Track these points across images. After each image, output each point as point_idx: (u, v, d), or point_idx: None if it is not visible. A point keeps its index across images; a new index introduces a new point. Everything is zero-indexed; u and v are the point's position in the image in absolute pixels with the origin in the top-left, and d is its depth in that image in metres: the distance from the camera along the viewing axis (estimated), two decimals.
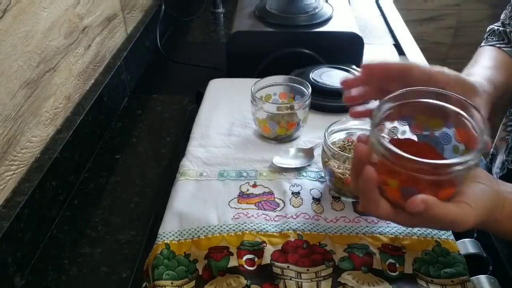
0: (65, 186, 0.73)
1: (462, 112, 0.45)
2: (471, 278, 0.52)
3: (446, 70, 0.52)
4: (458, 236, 0.57)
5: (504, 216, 0.46)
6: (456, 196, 0.43)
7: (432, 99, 0.46)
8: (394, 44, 1.20)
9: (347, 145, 0.64)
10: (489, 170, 0.76)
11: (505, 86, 0.61)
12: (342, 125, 0.65)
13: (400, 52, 1.15)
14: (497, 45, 0.69)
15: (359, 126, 0.65)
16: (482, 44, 0.72)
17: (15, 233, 0.60)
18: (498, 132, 0.76)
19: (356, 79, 0.55)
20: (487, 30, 0.73)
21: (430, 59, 1.12)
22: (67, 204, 0.73)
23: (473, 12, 2.17)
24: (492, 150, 0.77)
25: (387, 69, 0.53)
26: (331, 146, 0.60)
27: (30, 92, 0.66)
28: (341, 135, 0.66)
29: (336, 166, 0.60)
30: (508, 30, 0.69)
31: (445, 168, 0.41)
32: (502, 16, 0.74)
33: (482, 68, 0.61)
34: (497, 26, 0.72)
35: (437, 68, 0.52)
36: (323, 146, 0.61)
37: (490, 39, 0.71)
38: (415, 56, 1.11)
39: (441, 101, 0.46)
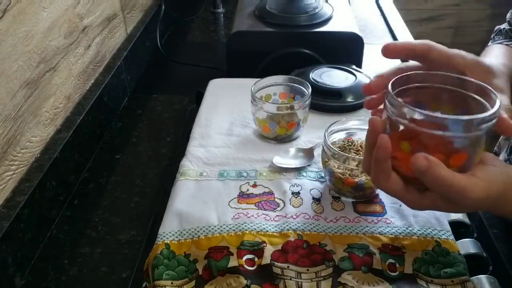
0: (65, 186, 0.73)
1: (479, 98, 0.45)
2: (471, 278, 0.52)
3: (464, 53, 0.51)
4: (458, 236, 0.57)
5: None
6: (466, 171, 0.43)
7: (450, 85, 0.46)
8: None
9: (347, 145, 0.64)
10: None
11: None
12: (342, 125, 0.65)
13: None
14: (505, 43, 0.68)
15: (359, 126, 0.65)
16: (489, 44, 0.72)
17: (15, 233, 0.60)
18: None
19: (376, 82, 0.52)
20: (494, 30, 0.73)
21: None
22: (67, 204, 0.73)
23: (473, 12, 2.17)
24: (495, 148, 0.77)
25: (407, 49, 0.52)
26: (331, 146, 0.60)
27: (30, 92, 0.66)
28: (341, 135, 0.66)
29: (336, 166, 0.60)
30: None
31: (461, 124, 0.41)
32: (508, 15, 0.74)
33: (494, 58, 0.60)
34: (504, 26, 0.72)
35: (455, 51, 0.51)
36: (323, 146, 0.61)
37: (497, 38, 0.70)
38: None
39: (459, 86, 0.46)
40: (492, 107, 0.43)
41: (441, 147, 0.42)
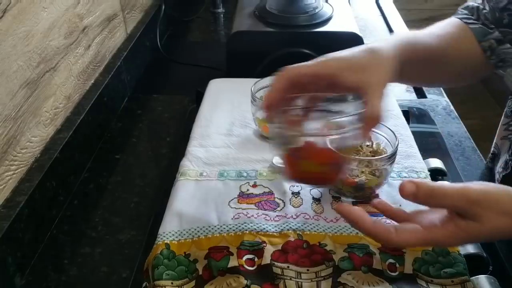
0: (65, 186, 0.73)
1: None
2: (471, 278, 0.52)
3: (334, 57, 0.52)
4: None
5: None
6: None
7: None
8: None
9: None
10: (490, 170, 0.76)
11: (435, 50, 0.60)
12: None
13: None
14: (464, 20, 0.65)
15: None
16: (452, 16, 0.68)
17: (15, 233, 0.60)
18: (498, 131, 0.76)
19: (270, 98, 0.52)
20: (463, 5, 0.68)
21: None
22: (67, 204, 0.73)
23: None
24: (493, 149, 0.77)
25: (288, 81, 0.52)
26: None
27: (30, 92, 0.66)
28: None
29: None
30: (482, 7, 0.64)
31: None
32: None
33: (412, 33, 0.60)
34: (476, 3, 0.67)
35: (323, 59, 0.52)
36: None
37: (460, 12, 0.67)
38: None
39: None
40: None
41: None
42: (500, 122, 0.75)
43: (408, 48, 0.56)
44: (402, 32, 0.60)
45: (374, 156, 0.62)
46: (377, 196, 0.61)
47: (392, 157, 0.59)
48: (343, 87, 0.51)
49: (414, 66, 0.58)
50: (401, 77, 0.55)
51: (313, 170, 0.52)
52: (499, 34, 0.61)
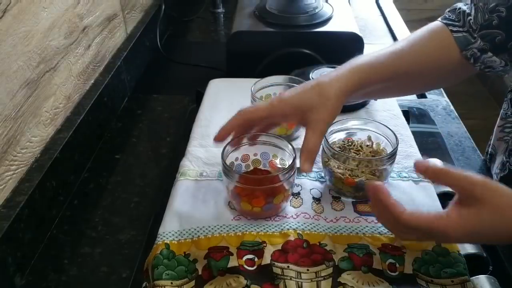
0: (65, 186, 0.73)
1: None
2: (471, 278, 0.52)
3: (285, 99, 0.59)
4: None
5: None
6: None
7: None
8: None
9: (347, 145, 0.64)
10: (488, 170, 0.76)
11: (407, 66, 0.63)
12: (342, 125, 0.65)
13: None
14: (449, 27, 0.64)
15: (359, 126, 0.65)
16: (439, 18, 0.67)
17: (15, 233, 0.60)
18: (494, 133, 0.76)
19: (223, 133, 0.60)
20: (452, 7, 0.67)
21: None
22: (67, 204, 0.73)
23: None
24: (490, 149, 0.77)
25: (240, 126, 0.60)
26: (331, 146, 0.60)
27: (30, 92, 0.66)
28: (341, 135, 0.66)
29: (336, 166, 0.60)
30: (468, 12, 0.64)
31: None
32: None
33: (375, 55, 0.63)
34: (464, 5, 0.66)
35: (275, 103, 0.59)
36: (323, 146, 0.61)
37: (447, 15, 0.67)
38: None
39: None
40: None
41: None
42: (496, 123, 0.75)
43: (369, 72, 0.60)
44: (368, 55, 0.64)
45: (374, 156, 0.62)
46: None
47: (392, 157, 0.59)
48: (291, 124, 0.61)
49: (381, 86, 0.62)
50: (368, 96, 0.61)
51: (251, 209, 0.58)
52: (482, 43, 0.62)
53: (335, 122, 0.64)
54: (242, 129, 0.60)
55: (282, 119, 0.61)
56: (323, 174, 0.64)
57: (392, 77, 0.63)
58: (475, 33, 0.62)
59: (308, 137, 0.56)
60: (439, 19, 0.67)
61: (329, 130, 0.62)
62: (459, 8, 0.65)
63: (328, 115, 0.57)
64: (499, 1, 0.60)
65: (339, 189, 0.61)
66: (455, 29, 0.64)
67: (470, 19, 0.63)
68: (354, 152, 0.63)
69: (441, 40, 0.64)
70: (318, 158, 0.65)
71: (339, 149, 0.63)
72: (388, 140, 0.62)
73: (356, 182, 0.59)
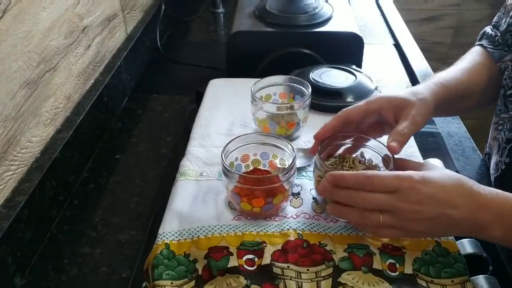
0: (65, 186, 0.73)
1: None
2: (471, 278, 0.52)
3: (381, 96, 0.61)
4: (458, 236, 0.57)
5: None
6: None
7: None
8: (394, 44, 1.20)
9: (339, 162, 0.61)
10: (488, 170, 0.76)
11: (474, 86, 0.69)
12: (336, 140, 0.62)
13: (400, 52, 1.15)
14: (486, 46, 0.75)
15: (353, 142, 0.62)
16: (476, 43, 0.77)
17: (15, 233, 0.60)
18: (490, 131, 0.76)
19: (323, 132, 0.61)
20: (482, 31, 0.79)
21: (430, 59, 1.12)
22: (67, 204, 0.73)
23: (473, 12, 2.16)
24: (487, 149, 0.77)
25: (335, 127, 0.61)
26: (324, 164, 0.57)
27: (30, 92, 0.66)
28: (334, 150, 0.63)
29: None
30: (495, 35, 0.74)
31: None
32: (495, 18, 0.77)
33: (447, 72, 0.69)
34: (490, 28, 0.77)
35: (370, 99, 0.61)
36: (315, 163, 0.58)
37: (484, 42, 0.76)
38: (415, 56, 1.11)
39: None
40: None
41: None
42: (492, 121, 0.75)
43: (441, 91, 0.63)
44: (439, 74, 0.68)
45: None
46: None
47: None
48: (387, 121, 0.60)
49: (445, 105, 0.64)
50: (433, 115, 0.62)
51: (250, 209, 0.57)
52: None
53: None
54: (340, 128, 0.61)
55: (378, 114, 0.60)
56: (315, 195, 0.62)
57: (460, 94, 0.67)
58: (505, 47, 0.72)
59: (400, 123, 0.57)
60: (476, 43, 0.78)
61: (323, 144, 0.60)
62: (488, 32, 0.76)
63: (424, 112, 0.58)
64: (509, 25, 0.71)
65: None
66: (490, 47, 0.74)
67: (498, 38, 0.74)
68: (347, 169, 0.60)
69: (483, 58, 0.74)
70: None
71: (331, 166, 0.60)
72: (381, 156, 0.60)
73: None
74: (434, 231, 0.52)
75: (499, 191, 0.51)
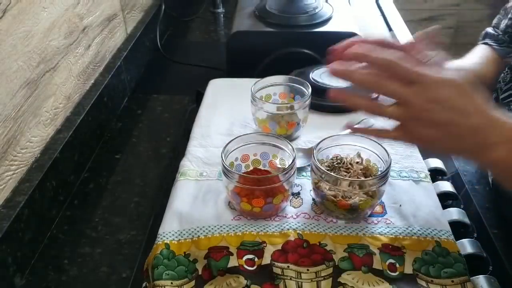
0: (65, 186, 0.73)
1: None
2: (471, 278, 0.52)
3: None
4: (458, 236, 0.57)
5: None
6: None
7: None
8: None
9: (336, 163, 0.61)
10: None
11: (484, 78, 0.74)
12: (333, 141, 0.62)
13: None
14: (490, 44, 0.78)
15: (349, 143, 0.62)
16: (479, 42, 0.81)
17: (15, 233, 0.60)
18: None
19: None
20: (483, 32, 0.83)
21: None
22: (67, 204, 0.73)
23: (473, 12, 2.17)
24: None
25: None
26: (321, 167, 0.57)
27: (30, 92, 0.66)
28: (330, 151, 0.63)
29: (328, 188, 0.57)
30: (497, 33, 0.78)
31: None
32: (495, 20, 0.80)
33: (467, 61, 0.74)
34: (490, 29, 0.81)
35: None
36: (312, 166, 0.58)
37: (487, 40, 0.80)
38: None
39: None
40: None
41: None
42: None
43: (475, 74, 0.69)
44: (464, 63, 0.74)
45: (365, 174, 0.60)
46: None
47: (384, 176, 0.56)
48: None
49: None
50: None
51: (250, 209, 0.58)
52: None
53: (325, 139, 0.61)
54: (373, 44, 0.55)
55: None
56: (313, 196, 0.62)
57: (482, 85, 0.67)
58: (510, 44, 0.76)
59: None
60: (479, 43, 0.82)
61: (317, 147, 0.60)
62: (489, 32, 0.80)
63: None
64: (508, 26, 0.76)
65: (331, 211, 0.59)
66: (494, 45, 0.78)
67: (501, 36, 0.77)
68: (344, 171, 0.61)
69: (489, 54, 0.78)
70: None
71: (328, 168, 0.60)
72: (378, 156, 0.60)
73: (350, 204, 0.56)
74: (436, 141, 0.49)
75: None
